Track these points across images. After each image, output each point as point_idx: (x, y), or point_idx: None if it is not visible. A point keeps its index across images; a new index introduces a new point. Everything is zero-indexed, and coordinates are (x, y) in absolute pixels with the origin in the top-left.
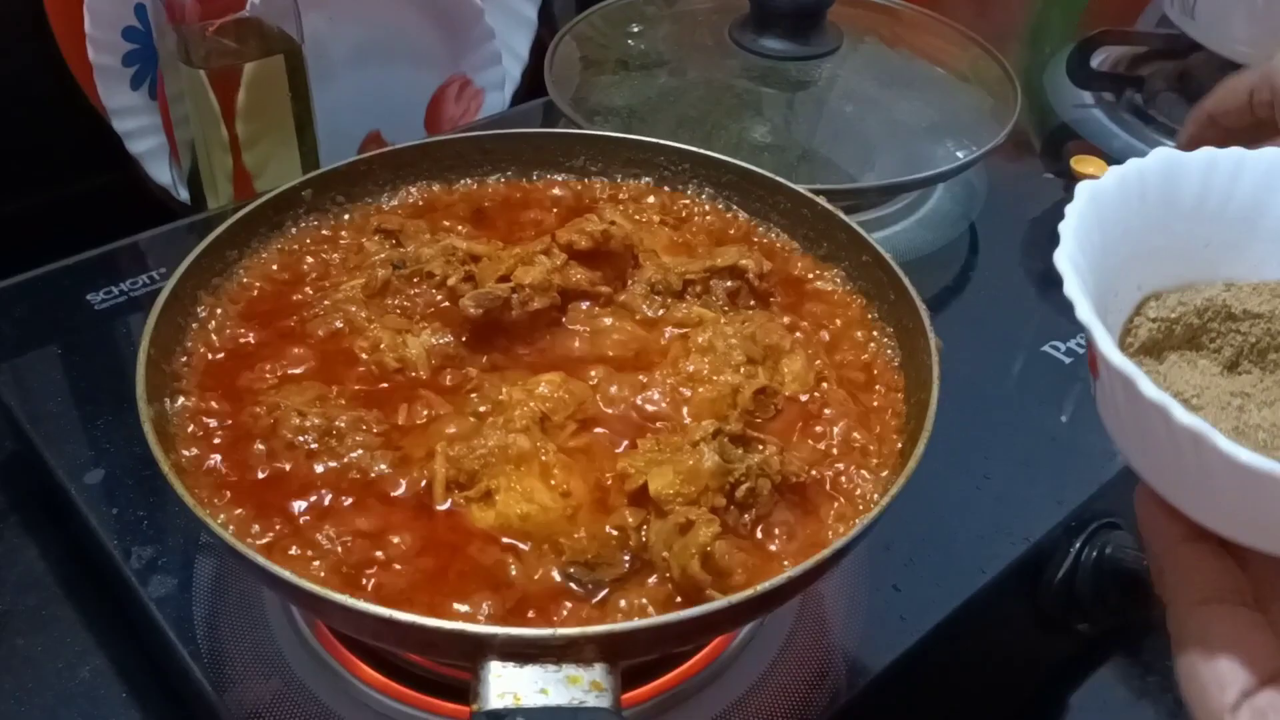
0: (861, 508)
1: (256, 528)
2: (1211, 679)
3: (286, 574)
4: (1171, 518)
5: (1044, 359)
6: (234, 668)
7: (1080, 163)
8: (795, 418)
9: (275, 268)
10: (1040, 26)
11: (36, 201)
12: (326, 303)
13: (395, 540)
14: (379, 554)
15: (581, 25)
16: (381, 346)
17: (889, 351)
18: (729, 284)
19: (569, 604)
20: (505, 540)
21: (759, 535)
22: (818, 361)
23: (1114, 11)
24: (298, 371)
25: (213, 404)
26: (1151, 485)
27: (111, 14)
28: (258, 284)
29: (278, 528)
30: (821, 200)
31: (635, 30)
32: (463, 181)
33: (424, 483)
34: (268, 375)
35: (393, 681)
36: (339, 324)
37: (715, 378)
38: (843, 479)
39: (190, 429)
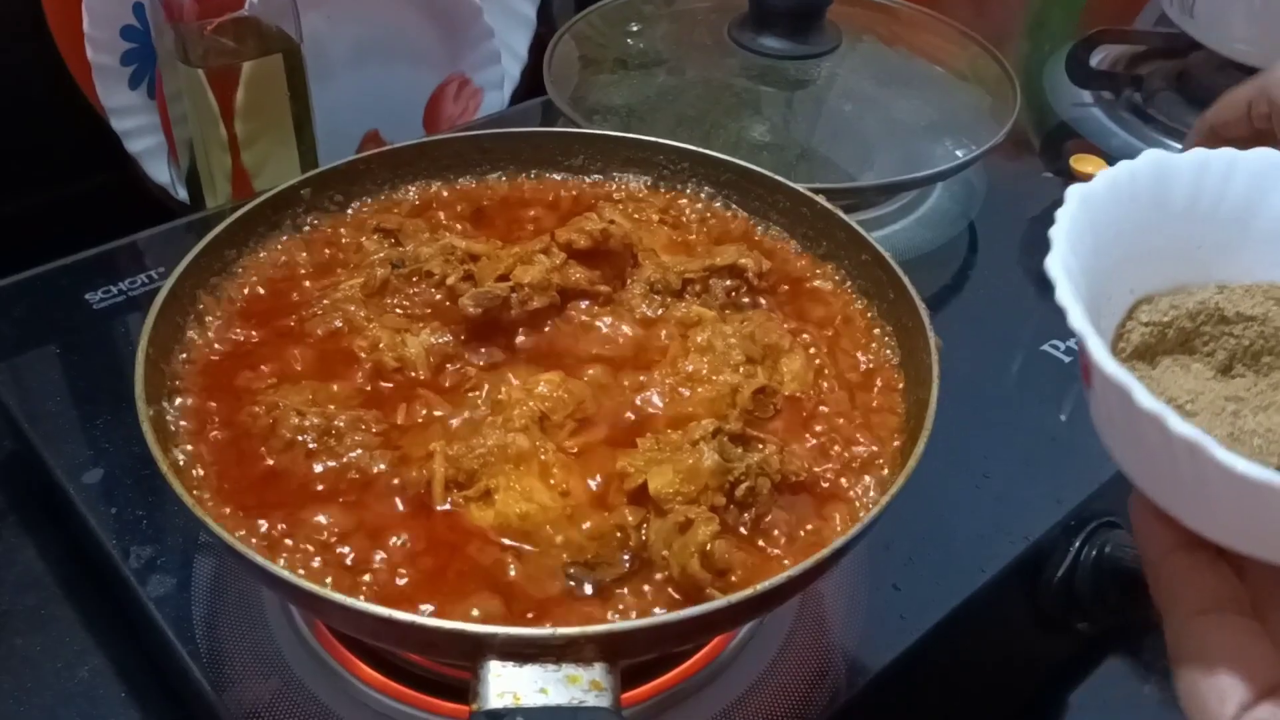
0: (861, 507)
1: (256, 527)
2: (1210, 692)
3: (285, 573)
4: (1167, 526)
5: (1043, 358)
6: (233, 667)
7: (1079, 161)
8: (795, 417)
9: (274, 267)
10: (1039, 25)
11: (35, 201)
12: (325, 302)
13: (394, 540)
14: (378, 553)
15: (580, 24)
16: (380, 346)
17: (888, 351)
18: (728, 283)
19: (568, 603)
20: (504, 540)
21: (758, 534)
22: (817, 361)
23: (1113, 10)
24: (297, 371)
25: (211, 403)
26: (1147, 493)
27: (110, 13)
28: (256, 283)
29: (277, 527)
30: (820, 199)
31: (634, 29)
32: (462, 180)
33: (423, 482)
34: (266, 375)
35: (392, 681)
36: (338, 323)
37: (714, 377)
38: (842, 478)
39: (189, 428)
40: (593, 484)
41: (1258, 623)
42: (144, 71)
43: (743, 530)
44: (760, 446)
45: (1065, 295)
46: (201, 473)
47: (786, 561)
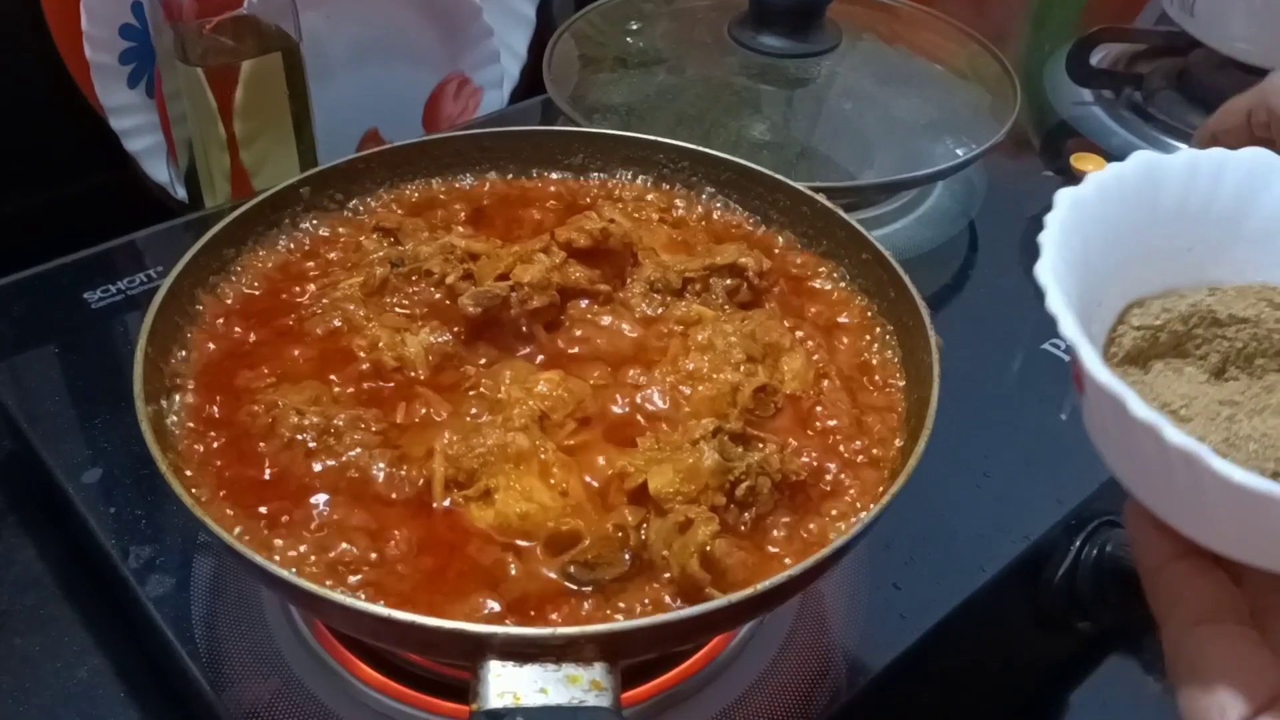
0: (861, 506)
1: (255, 527)
2: (1211, 706)
3: (285, 573)
4: (1163, 534)
5: (1044, 357)
6: (232, 667)
7: (1080, 160)
8: (795, 416)
9: (273, 266)
10: (1039, 23)
11: (33, 200)
12: (325, 301)
13: (394, 539)
14: (378, 553)
15: (580, 23)
16: (380, 345)
17: (889, 350)
18: (728, 282)
19: (568, 603)
20: (504, 539)
21: (759, 534)
22: (817, 359)
23: (1113, 9)
24: (296, 370)
25: (210, 403)
26: (1143, 501)
27: (108, 12)
28: (255, 282)
29: (276, 526)
30: (821, 198)
31: (634, 28)
32: (461, 179)
33: (423, 481)
34: (266, 374)
35: (392, 681)
36: (337, 322)
37: (715, 376)
38: (843, 477)
39: (188, 428)
40: (593, 483)
41: (1256, 631)
42: (143, 70)
43: (743, 530)
44: (761, 446)
45: (1056, 303)
46: (200, 472)
47: (787, 561)
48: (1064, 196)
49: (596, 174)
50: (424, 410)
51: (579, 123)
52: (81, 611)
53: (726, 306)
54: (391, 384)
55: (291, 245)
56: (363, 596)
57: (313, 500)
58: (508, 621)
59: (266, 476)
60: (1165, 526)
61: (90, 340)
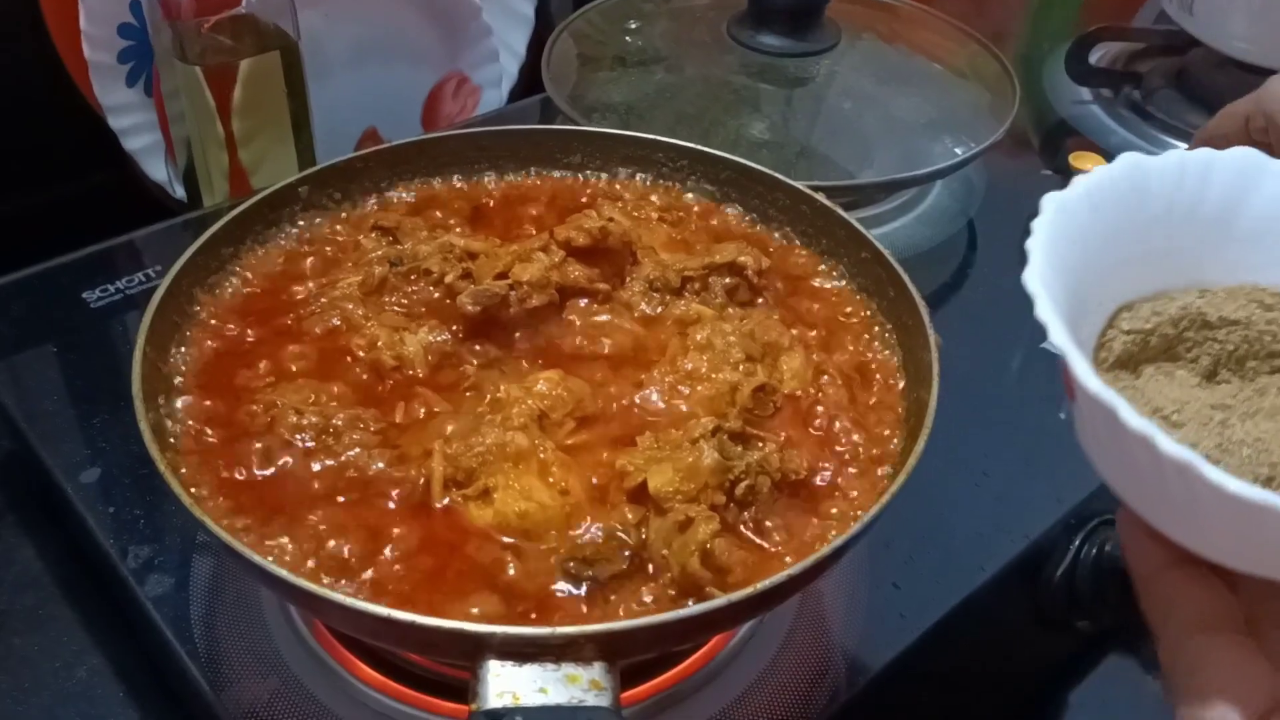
0: (861, 505)
1: (253, 526)
2: (1208, 717)
3: (284, 573)
4: (1157, 542)
5: (1043, 356)
6: (231, 667)
7: (1079, 159)
8: (794, 415)
9: (271, 265)
10: (1038, 22)
11: (32, 199)
12: (323, 300)
13: (393, 539)
14: (377, 552)
15: (579, 22)
16: (379, 344)
17: (888, 349)
18: (727, 281)
19: (568, 603)
20: (504, 538)
21: (758, 533)
22: (816, 358)
23: (1112, 7)
24: (294, 369)
25: (209, 402)
26: (1136, 510)
27: (107, 10)
28: (254, 281)
29: (275, 526)
30: (820, 196)
31: (632, 27)
32: (460, 178)
33: (422, 481)
34: (264, 373)
35: (391, 681)
36: (336, 321)
37: (714, 375)
38: (842, 476)
39: (187, 427)
40: (592, 482)
41: (1253, 640)
42: (141, 69)
43: (743, 529)
44: (760, 445)
45: (1045, 311)
46: (199, 472)
47: (787, 560)
48: (1050, 201)
49: (596, 173)
50: (423, 409)
51: (578, 122)
52: (80, 611)
53: (726, 306)
54: (390, 383)
55: (290, 244)
56: (362, 596)
57: (311, 500)
58: (507, 621)
59: (265, 476)
60: (1158, 534)
61: (89, 340)
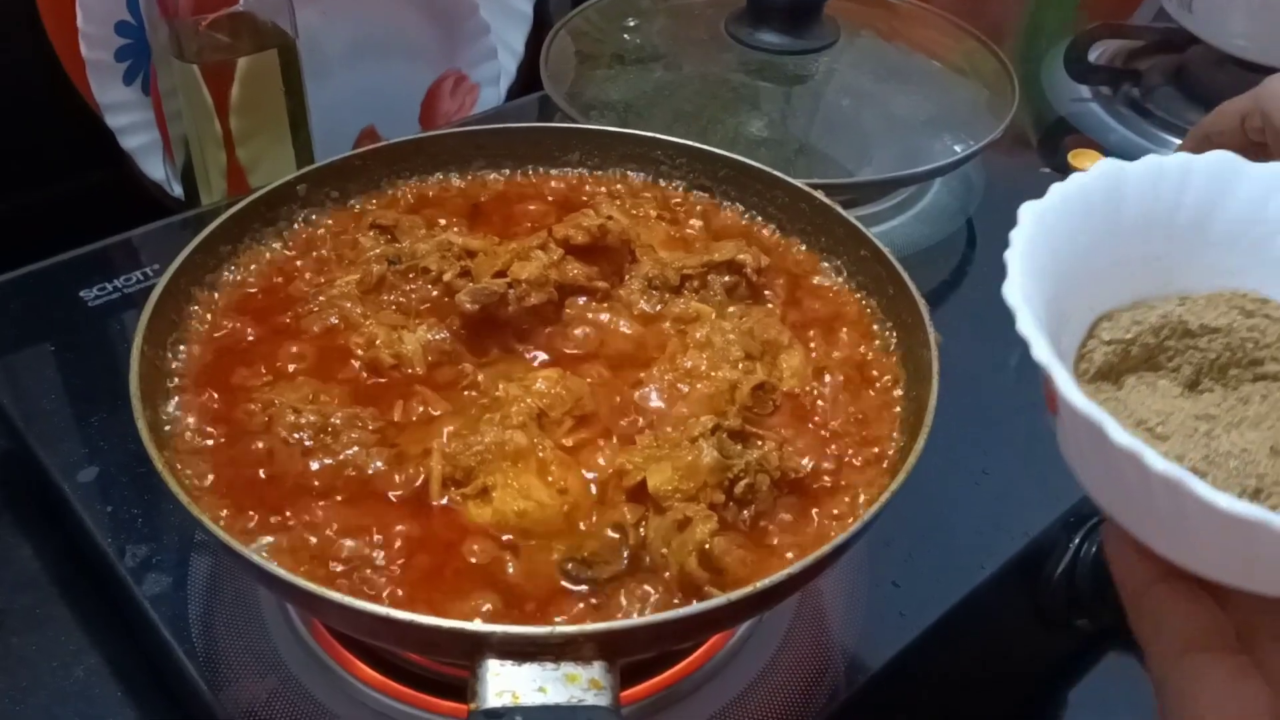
0: (861, 503)
1: (252, 525)
2: None
3: (282, 572)
4: (1144, 557)
5: None
6: (230, 666)
7: (1077, 157)
8: (794, 413)
9: (269, 263)
10: (1037, 20)
11: (29, 198)
12: (321, 299)
13: (392, 538)
14: (375, 552)
15: (577, 20)
16: (377, 343)
17: (888, 347)
18: (727, 279)
19: (567, 602)
20: (503, 537)
21: (758, 532)
22: (816, 356)
23: (1111, 5)
24: (293, 368)
25: (207, 401)
26: (1122, 525)
27: (104, 9)
28: (252, 280)
29: (273, 525)
30: (819, 194)
31: (631, 24)
32: (458, 176)
33: (420, 480)
34: (262, 372)
35: (390, 680)
36: (334, 320)
37: (713, 373)
38: (841, 474)
39: (184, 426)
40: (592, 481)
41: (1245, 656)
42: (138, 67)
43: (742, 527)
44: (759, 443)
45: (1027, 325)
46: (197, 470)
47: (787, 557)
48: (1028, 210)
49: (594, 170)
50: (421, 408)
51: (576, 119)
52: (78, 611)
53: (725, 304)
54: (389, 382)
55: (288, 243)
56: (360, 595)
57: (310, 498)
58: (506, 620)
59: (263, 475)
60: (1145, 549)
61: (86, 338)
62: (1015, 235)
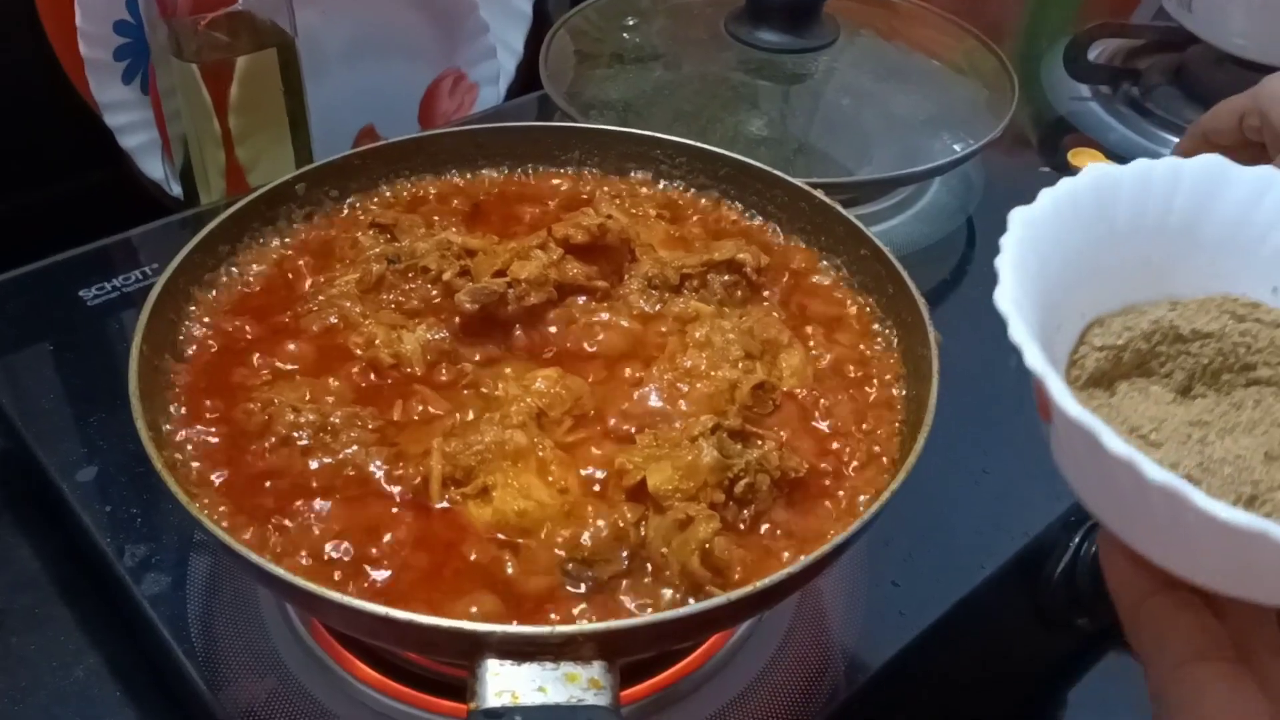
0: (860, 503)
1: (251, 525)
2: None
3: (282, 571)
4: (1141, 567)
5: None
6: (229, 666)
7: (1077, 156)
8: (794, 413)
9: (269, 263)
10: (1037, 19)
11: (28, 197)
12: (321, 298)
13: (391, 537)
14: (375, 551)
15: (576, 19)
16: (376, 342)
17: (887, 346)
18: (726, 278)
19: (567, 601)
20: (502, 537)
21: (758, 531)
22: (815, 356)
23: (1111, 4)
24: (292, 367)
25: (206, 400)
26: (1117, 534)
27: (103, 8)
28: (251, 279)
29: (272, 524)
30: (819, 193)
31: (630, 24)
32: (457, 176)
33: (420, 479)
34: (262, 371)
35: (389, 680)
36: (333, 319)
37: (713, 373)
38: (842, 474)
39: (184, 425)
40: (592, 480)
41: (1243, 665)
42: (137, 67)
43: (742, 527)
44: (759, 443)
45: (1019, 333)
46: (196, 470)
47: (786, 556)
48: (1017, 216)
49: (594, 170)
50: (421, 407)
51: (575, 119)
52: (77, 611)
53: (725, 303)
54: (388, 381)
55: (287, 242)
56: (360, 595)
57: (309, 498)
58: (506, 620)
59: (262, 474)
60: (1140, 559)
61: (85, 338)
62: (1005, 241)
